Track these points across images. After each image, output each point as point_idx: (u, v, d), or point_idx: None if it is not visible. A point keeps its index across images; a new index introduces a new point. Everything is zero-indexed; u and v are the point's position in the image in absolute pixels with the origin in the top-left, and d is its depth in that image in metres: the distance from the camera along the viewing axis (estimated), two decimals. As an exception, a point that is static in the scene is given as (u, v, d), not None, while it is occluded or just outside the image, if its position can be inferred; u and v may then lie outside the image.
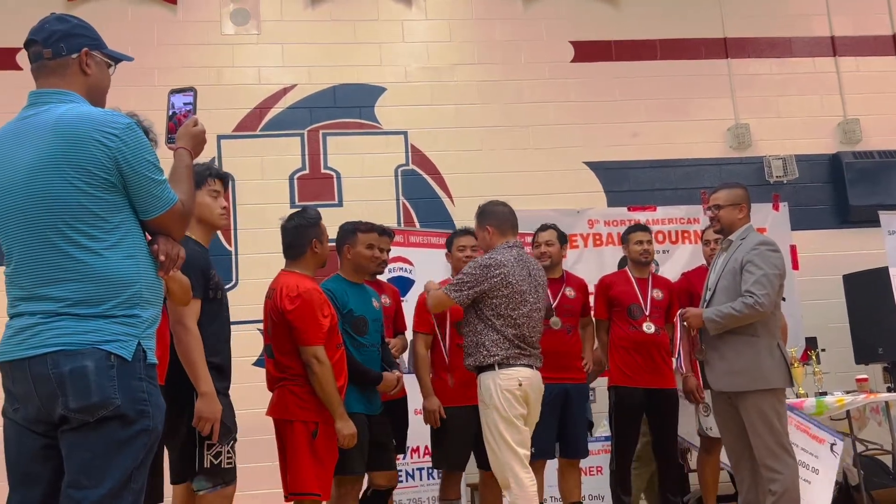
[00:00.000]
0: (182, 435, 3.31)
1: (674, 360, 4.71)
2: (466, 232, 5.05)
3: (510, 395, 4.14)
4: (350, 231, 4.41)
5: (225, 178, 3.63)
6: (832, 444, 5.09)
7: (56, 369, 2.11)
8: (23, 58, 6.31)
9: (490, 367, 4.20)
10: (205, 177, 3.52)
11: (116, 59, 2.45)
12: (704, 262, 5.50)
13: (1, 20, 6.47)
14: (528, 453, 4.17)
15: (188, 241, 3.36)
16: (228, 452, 3.37)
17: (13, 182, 2.22)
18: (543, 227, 5.26)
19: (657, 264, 6.63)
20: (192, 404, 3.27)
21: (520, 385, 4.17)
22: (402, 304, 5.06)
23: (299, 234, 4.03)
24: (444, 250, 5.22)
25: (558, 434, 4.99)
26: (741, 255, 4.29)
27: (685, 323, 4.41)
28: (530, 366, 4.26)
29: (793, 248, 6.85)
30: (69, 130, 2.19)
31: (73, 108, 2.25)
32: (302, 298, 3.82)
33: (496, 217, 4.47)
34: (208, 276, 3.41)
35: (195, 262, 3.32)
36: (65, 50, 2.33)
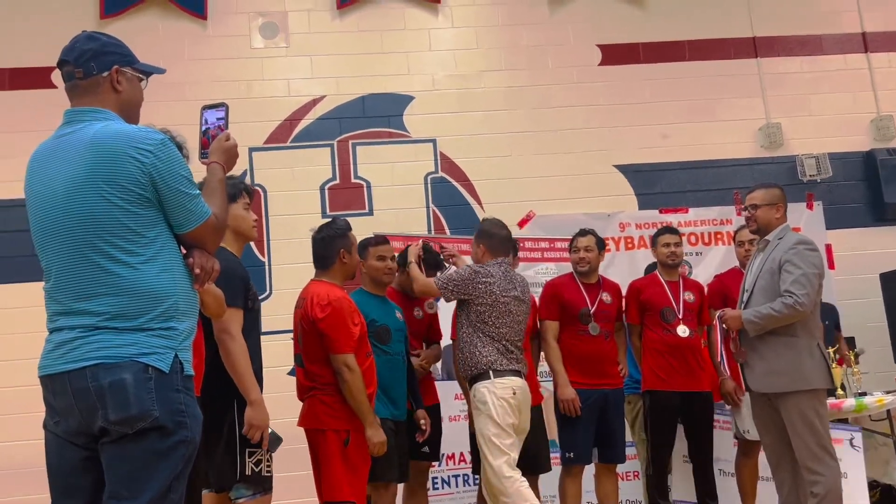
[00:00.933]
0: (220, 444, 3.33)
1: (718, 363, 4.66)
2: (584, 233, 5.20)
3: (505, 403, 4.25)
4: (362, 247, 4.45)
5: (252, 195, 3.73)
6: (850, 439, 5.00)
7: (95, 382, 2.13)
8: (57, 76, 6.41)
9: (484, 375, 4.30)
10: (239, 189, 3.58)
11: (148, 72, 2.49)
12: (738, 263, 5.44)
13: (34, 40, 6.60)
14: (517, 458, 4.26)
15: (224, 251, 3.40)
16: (268, 460, 3.39)
17: (52, 200, 2.26)
18: (583, 233, 5.26)
19: (690, 266, 6.59)
20: (231, 413, 3.29)
21: (514, 394, 4.29)
22: (437, 314, 5.06)
23: (328, 245, 4.08)
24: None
25: (596, 439, 4.99)
26: (779, 255, 4.25)
27: (724, 325, 4.37)
28: (520, 373, 4.39)
29: (828, 248, 6.77)
30: (105, 147, 2.22)
31: (108, 125, 2.29)
32: (332, 307, 3.84)
33: (492, 239, 4.61)
34: (248, 287, 3.45)
35: (235, 272, 3.37)
36: (95, 69, 2.36)
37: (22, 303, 5.74)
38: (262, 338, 3.67)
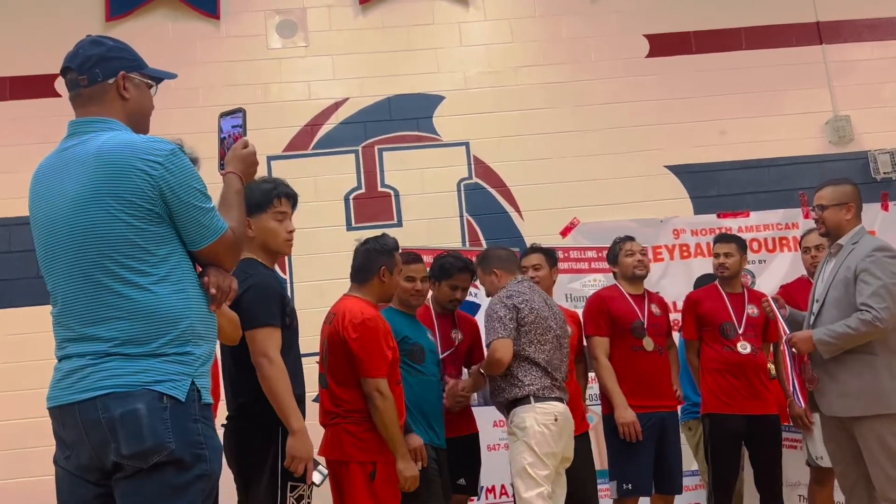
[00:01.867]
0: (262, 478, 3.31)
1: (790, 393, 4.59)
2: (535, 249, 5.10)
3: (546, 430, 4.23)
4: None
5: (294, 198, 3.63)
6: None
7: (106, 413, 2.15)
8: (60, 84, 6.53)
9: (525, 400, 4.29)
10: (271, 198, 3.52)
11: (158, 78, 2.51)
12: (805, 272, 5.38)
13: (36, 46, 6.72)
14: (550, 491, 4.23)
15: (258, 266, 3.42)
16: (310, 496, 3.40)
17: (56, 218, 2.28)
18: (626, 238, 5.25)
19: (752, 276, 6.52)
20: (275, 445, 3.29)
21: (555, 420, 4.27)
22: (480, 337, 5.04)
23: (369, 259, 4.07)
24: None
25: (654, 466, 4.94)
26: (854, 263, 4.15)
27: (794, 350, 4.29)
28: (562, 400, 4.38)
29: (907, 253, 6.65)
30: (111, 160, 2.24)
31: (115, 136, 2.31)
32: (366, 326, 3.83)
33: (500, 259, 4.67)
34: (284, 303, 3.43)
35: (272, 288, 3.37)
36: (100, 76, 2.39)
37: (28, 328, 5.83)
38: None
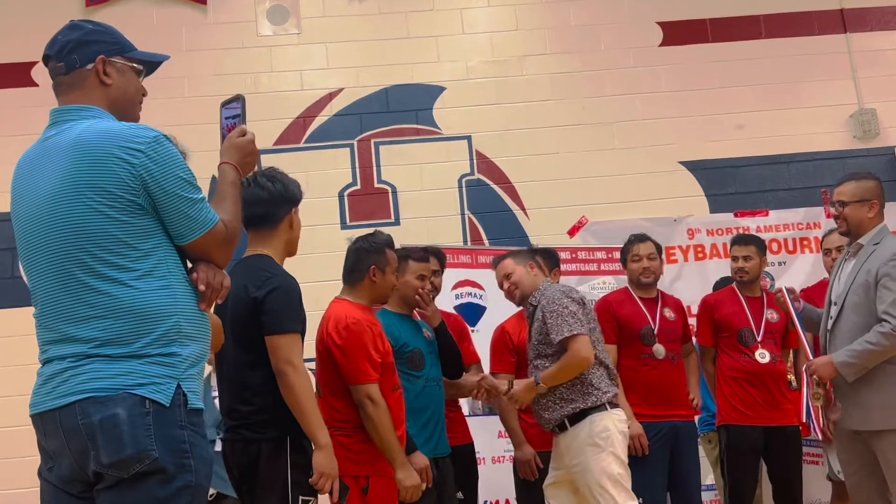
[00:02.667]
0: (274, 492, 3.30)
1: (811, 426, 4.56)
2: (643, 238, 5.19)
3: (623, 437, 4.28)
4: (402, 258, 4.44)
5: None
6: None
7: (85, 419, 2.14)
8: (38, 73, 6.56)
9: (601, 407, 4.27)
10: (301, 193, 3.64)
11: (143, 61, 2.49)
12: (827, 275, 5.39)
13: (13, 32, 6.74)
14: None
15: (276, 266, 3.44)
16: None
17: (35, 212, 2.28)
18: (641, 238, 5.22)
19: (772, 278, 6.53)
20: (284, 455, 3.29)
21: (627, 427, 4.36)
22: (472, 335, 5.06)
23: (359, 259, 4.08)
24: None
25: (669, 479, 4.94)
26: (875, 266, 4.11)
27: (815, 377, 4.22)
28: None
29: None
30: (88, 149, 2.24)
31: (94, 124, 2.30)
32: (350, 330, 3.82)
33: (537, 253, 4.76)
34: (301, 308, 3.44)
35: (296, 291, 3.38)
36: (78, 62, 2.38)
37: (11, 331, 5.84)
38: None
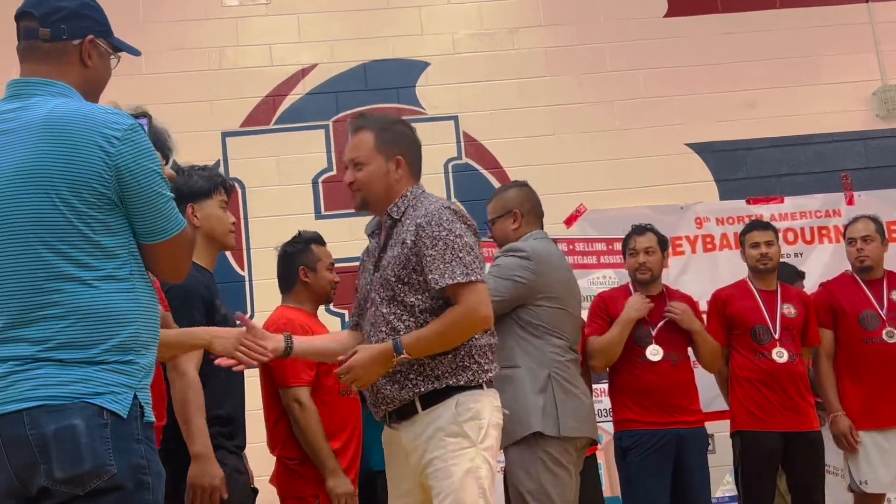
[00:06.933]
0: None
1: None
2: (643, 230, 5.16)
3: (497, 432, 4.21)
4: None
5: (231, 192, 3.79)
6: None
7: (36, 430, 2.13)
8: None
9: (475, 387, 3.34)
10: (216, 183, 3.64)
11: (121, 51, 2.52)
12: (850, 267, 5.40)
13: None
14: None
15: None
16: None
17: None
18: (640, 230, 5.20)
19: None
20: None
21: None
22: None
23: (286, 264, 4.26)
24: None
25: (673, 493, 4.93)
26: None
27: None
28: None
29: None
30: (62, 130, 2.22)
31: (67, 103, 2.29)
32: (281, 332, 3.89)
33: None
34: (213, 309, 3.48)
35: (195, 291, 3.41)
36: (66, 33, 2.37)
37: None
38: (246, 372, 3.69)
